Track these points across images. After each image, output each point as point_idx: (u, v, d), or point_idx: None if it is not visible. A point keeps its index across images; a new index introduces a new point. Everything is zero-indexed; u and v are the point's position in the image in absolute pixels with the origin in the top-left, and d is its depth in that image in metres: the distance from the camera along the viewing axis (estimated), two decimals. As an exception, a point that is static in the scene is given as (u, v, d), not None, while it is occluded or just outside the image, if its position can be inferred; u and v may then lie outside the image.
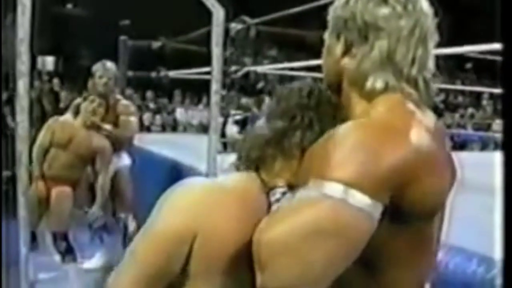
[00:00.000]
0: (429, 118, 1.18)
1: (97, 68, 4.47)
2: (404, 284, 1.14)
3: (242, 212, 1.15)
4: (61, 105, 7.49)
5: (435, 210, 1.11)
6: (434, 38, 1.21)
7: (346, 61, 1.19)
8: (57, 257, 4.09)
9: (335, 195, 0.99)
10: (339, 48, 1.20)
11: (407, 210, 1.05)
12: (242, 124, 7.72)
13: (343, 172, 1.00)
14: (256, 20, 5.25)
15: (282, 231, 1.01)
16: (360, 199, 0.99)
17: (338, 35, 1.21)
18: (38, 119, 5.63)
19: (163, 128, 10.79)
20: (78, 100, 4.41)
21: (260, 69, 6.26)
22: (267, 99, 11.43)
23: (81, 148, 4.09)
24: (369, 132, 1.06)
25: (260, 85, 12.68)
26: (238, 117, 7.74)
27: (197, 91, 12.00)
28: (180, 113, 11.24)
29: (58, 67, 12.49)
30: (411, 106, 1.14)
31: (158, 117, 11.05)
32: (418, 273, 1.16)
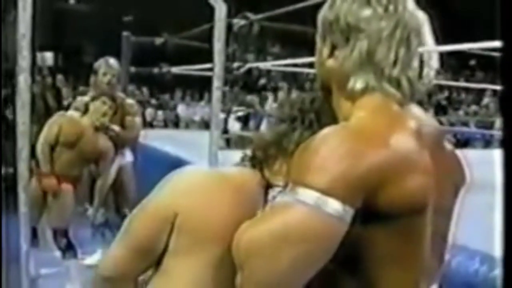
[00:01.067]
0: (414, 118, 1.19)
1: (99, 64, 4.45)
2: (397, 284, 1.14)
3: (235, 200, 1.21)
4: (64, 101, 7.48)
5: (417, 209, 1.11)
6: (420, 38, 1.23)
7: (331, 63, 1.21)
8: (58, 253, 4.08)
9: (307, 201, 1.04)
10: (325, 50, 1.23)
11: (383, 210, 1.08)
12: (245, 120, 7.72)
13: (316, 179, 1.05)
14: (259, 16, 5.22)
15: (257, 233, 1.06)
16: (331, 205, 1.04)
17: (324, 37, 1.24)
18: (41, 115, 5.62)
19: (165, 124, 10.81)
20: (85, 98, 4.38)
21: (262, 65, 6.22)
22: (270, 97, 11.46)
23: (87, 148, 4.07)
24: (343, 137, 1.09)
25: (263, 81, 12.68)
26: (240, 114, 7.73)
27: (200, 87, 12.01)
28: (182, 109, 11.24)
29: (57, 63, 12.48)
30: (393, 107, 1.16)
31: (160, 112, 11.06)
32: (412, 273, 1.15)
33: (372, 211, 1.07)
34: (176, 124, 10.94)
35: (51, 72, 9.91)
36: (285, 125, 1.30)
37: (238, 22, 5.08)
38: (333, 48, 1.21)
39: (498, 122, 10.73)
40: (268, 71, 12.24)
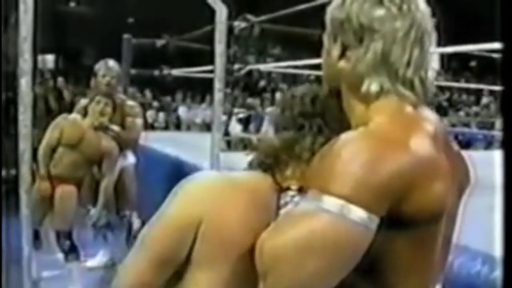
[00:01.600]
0: (429, 120, 1.17)
1: (99, 66, 4.44)
2: None
3: (249, 205, 1.19)
4: (65, 103, 7.48)
5: (436, 216, 1.10)
6: (431, 38, 1.20)
7: (342, 64, 1.18)
8: (60, 256, 4.08)
9: (332, 210, 1.02)
10: (335, 51, 1.19)
11: (407, 217, 1.06)
12: (246, 122, 7.71)
13: (340, 186, 1.03)
14: (261, 18, 5.23)
15: (281, 241, 1.04)
16: (356, 213, 1.02)
17: (334, 37, 1.20)
18: (42, 117, 5.62)
19: (167, 126, 10.80)
20: (83, 100, 4.39)
21: (263, 67, 6.23)
22: (277, 96, 11.44)
23: (89, 149, 4.07)
24: (366, 144, 1.06)
25: (262, 83, 12.68)
26: (241, 115, 7.73)
27: (201, 89, 12.02)
28: (183, 111, 11.25)
29: (58, 65, 12.50)
30: (410, 110, 1.15)
31: (161, 115, 11.07)
32: (424, 278, 1.16)
33: (395, 219, 1.06)
34: (177, 126, 10.94)
35: (52, 74, 9.92)
36: (292, 131, 1.26)
37: (239, 24, 5.09)
38: (344, 48, 1.18)
39: (498, 123, 10.73)
40: (269, 73, 12.25)
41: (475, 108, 13.02)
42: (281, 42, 14.62)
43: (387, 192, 1.03)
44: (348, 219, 1.01)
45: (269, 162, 1.28)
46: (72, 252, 4.02)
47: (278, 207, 1.23)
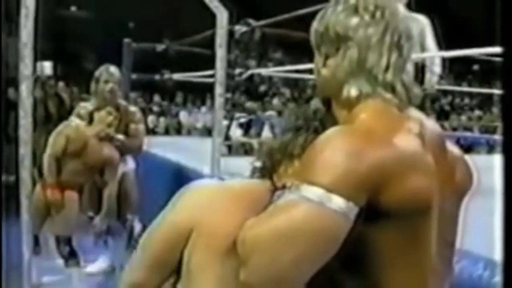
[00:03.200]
0: (414, 120, 1.19)
1: (101, 72, 4.41)
2: (401, 286, 1.14)
3: (245, 210, 1.21)
4: (65, 108, 7.46)
5: (419, 210, 1.12)
6: (411, 42, 1.24)
7: (323, 72, 1.24)
8: (60, 261, 4.06)
9: (312, 198, 1.06)
10: (319, 61, 1.26)
11: (387, 208, 1.09)
12: (247, 127, 7.69)
13: (320, 176, 1.07)
14: (261, 22, 5.21)
15: (261, 230, 1.08)
16: (336, 201, 1.05)
17: (318, 48, 1.26)
18: (42, 122, 5.60)
19: (167, 131, 10.79)
20: (84, 104, 4.37)
21: (264, 71, 6.21)
22: (274, 102, 11.44)
23: (91, 157, 4.05)
24: (347, 137, 1.11)
25: (263, 87, 12.67)
26: (242, 120, 7.71)
27: (201, 93, 12.01)
28: (183, 116, 11.23)
29: (56, 71, 12.50)
30: (393, 110, 1.18)
31: (162, 119, 11.04)
32: (418, 275, 1.15)
33: (375, 210, 1.08)
34: (178, 130, 10.93)
35: (50, 79, 9.89)
36: (289, 134, 1.33)
37: (240, 28, 5.07)
38: (326, 58, 1.24)
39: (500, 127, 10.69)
40: (270, 77, 12.24)
41: (477, 112, 12.99)
42: (282, 46, 14.62)
43: (365, 182, 1.06)
44: (327, 208, 1.05)
45: (267, 165, 1.34)
46: (72, 257, 4.01)
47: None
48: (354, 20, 1.20)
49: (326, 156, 1.08)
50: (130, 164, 4.65)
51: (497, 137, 10.05)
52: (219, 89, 3.26)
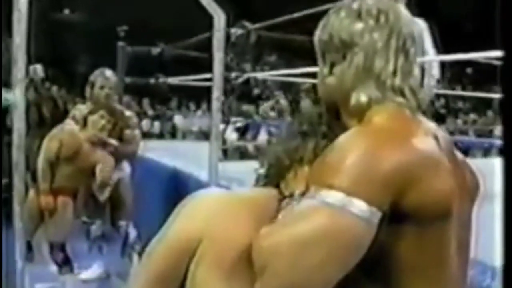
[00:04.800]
0: (429, 124, 1.18)
1: (96, 77, 4.35)
2: None
3: (252, 220, 1.16)
4: (59, 112, 7.39)
5: (441, 214, 1.09)
6: (417, 45, 1.22)
7: (330, 80, 1.21)
8: (54, 268, 4.00)
9: (332, 202, 1.01)
10: (325, 70, 1.23)
11: (409, 213, 1.05)
12: (243, 131, 7.64)
13: (341, 180, 1.02)
14: (257, 25, 5.17)
15: (281, 238, 1.03)
16: (358, 206, 1.01)
17: (323, 57, 1.24)
18: (35, 125, 5.53)
19: (162, 135, 10.72)
20: (80, 106, 4.31)
21: (261, 75, 6.18)
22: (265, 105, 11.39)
23: (84, 162, 4.00)
24: (367, 138, 1.07)
25: (257, 91, 12.63)
26: (239, 124, 7.66)
27: (197, 97, 11.94)
28: (179, 120, 11.16)
29: (48, 74, 12.45)
30: (408, 113, 1.16)
31: (156, 123, 10.98)
32: (435, 281, 1.12)
33: (397, 214, 1.04)
34: (173, 134, 10.86)
35: (44, 82, 9.81)
36: (295, 140, 1.28)
37: (235, 31, 5.02)
38: (332, 66, 1.21)
39: (497, 130, 10.72)
40: (264, 81, 12.20)
41: (472, 116, 13.00)
42: (277, 49, 14.59)
43: (389, 185, 1.02)
44: (350, 212, 1.01)
45: (274, 171, 1.28)
46: (66, 264, 3.95)
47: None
48: (359, 26, 1.18)
49: (346, 158, 1.04)
50: (125, 170, 4.59)
51: (493, 140, 10.08)
52: (216, 93, 3.20)
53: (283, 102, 9.47)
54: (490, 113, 12.79)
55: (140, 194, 4.58)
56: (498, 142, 8.56)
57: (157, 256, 1.22)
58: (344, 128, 1.21)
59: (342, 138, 1.09)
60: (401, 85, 1.16)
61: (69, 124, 4.14)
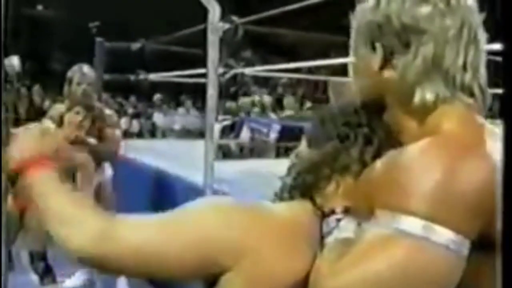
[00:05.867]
0: (492, 127, 1.02)
1: (73, 73, 4.15)
2: None
3: (287, 237, 1.03)
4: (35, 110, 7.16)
5: None
6: (483, 36, 1.04)
7: (387, 74, 1.04)
8: (35, 277, 3.77)
9: (414, 232, 0.86)
10: (376, 60, 1.05)
11: (493, 241, 0.87)
12: (230, 129, 7.46)
13: (419, 203, 0.86)
14: (245, 19, 4.97)
15: (352, 278, 0.86)
16: (444, 234, 0.85)
17: (372, 44, 1.06)
18: (11, 123, 5.27)
19: (141, 133, 10.48)
20: (58, 106, 4.09)
21: (248, 71, 5.99)
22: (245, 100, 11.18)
23: (62, 164, 3.76)
24: (444, 152, 0.91)
25: (234, 88, 12.44)
26: (226, 122, 7.47)
27: (178, 94, 11.73)
28: (158, 118, 10.90)
29: (25, 69, 12.17)
30: (478, 118, 1.01)
31: (135, 122, 10.73)
32: None
33: (485, 244, 0.89)
34: (152, 133, 10.62)
35: (19, 78, 9.53)
36: (333, 143, 1.12)
37: (222, 26, 4.80)
38: (388, 56, 1.03)
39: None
40: (242, 76, 12.01)
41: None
42: (252, 45, 14.41)
43: (476, 209, 0.87)
44: (433, 242, 0.85)
45: (308, 182, 1.12)
46: (47, 274, 3.72)
47: (322, 235, 1.07)
48: (426, 9, 1.00)
49: (422, 177, 0.88)
50: (107, 172, 4.38)
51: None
52: (211, 90, 2.99)
53: (266, 97, 9.27)
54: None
55: (123, 197, 4.37)
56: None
57: (182, 251, 1.02)
58: (388, 129, 1.06)
59: (413, 153, 0.93)
60: (471, 83, 1.00)
61: (45, 123, 3.91)
